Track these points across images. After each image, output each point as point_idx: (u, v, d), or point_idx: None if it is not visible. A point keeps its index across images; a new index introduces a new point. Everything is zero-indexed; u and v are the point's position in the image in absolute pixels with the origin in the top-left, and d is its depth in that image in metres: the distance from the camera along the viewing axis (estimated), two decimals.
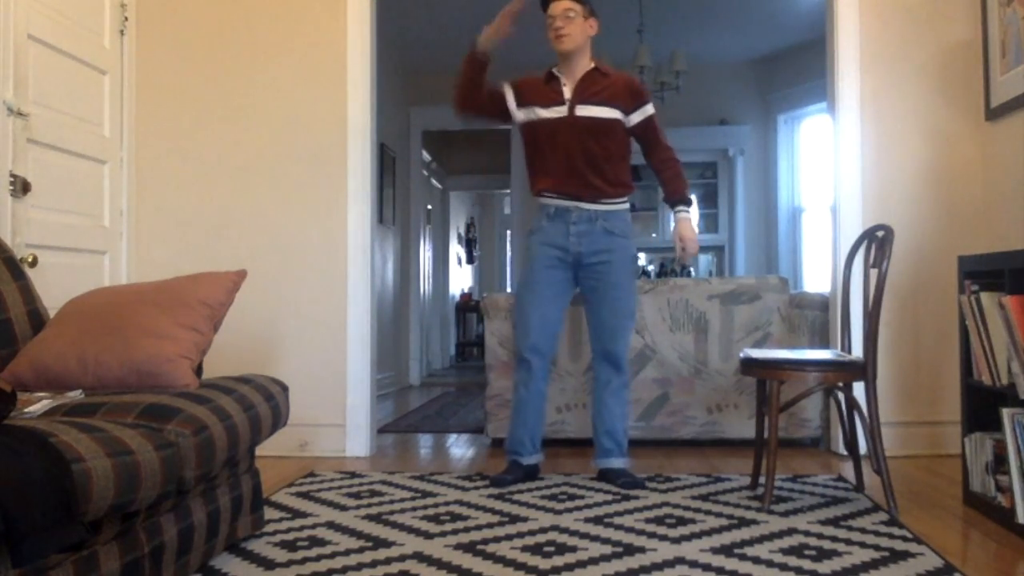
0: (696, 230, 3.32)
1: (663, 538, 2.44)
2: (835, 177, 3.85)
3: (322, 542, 2.42)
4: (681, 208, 3.30)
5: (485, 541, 2.42)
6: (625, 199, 3.26)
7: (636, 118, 3.23)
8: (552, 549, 2.34)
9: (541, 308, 3.21)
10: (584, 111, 3.17)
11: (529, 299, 3.22)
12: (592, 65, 3.24)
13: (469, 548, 2.35)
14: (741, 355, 2.98)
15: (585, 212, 3.19)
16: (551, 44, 3.21)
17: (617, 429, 3.23)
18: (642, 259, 8.85)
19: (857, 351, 3.61)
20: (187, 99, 4.00)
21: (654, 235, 8.50)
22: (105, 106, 3.71)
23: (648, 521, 2.63)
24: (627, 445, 3.28)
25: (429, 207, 9.26)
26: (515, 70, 3.40)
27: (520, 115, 3.27)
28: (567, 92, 3.20)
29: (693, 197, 3.37)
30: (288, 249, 3.94)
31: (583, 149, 3.16)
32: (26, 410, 1.93)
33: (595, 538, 2.44)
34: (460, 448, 4.12)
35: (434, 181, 9.51)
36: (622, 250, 3.22)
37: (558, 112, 3.18)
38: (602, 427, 3.24)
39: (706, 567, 2.17)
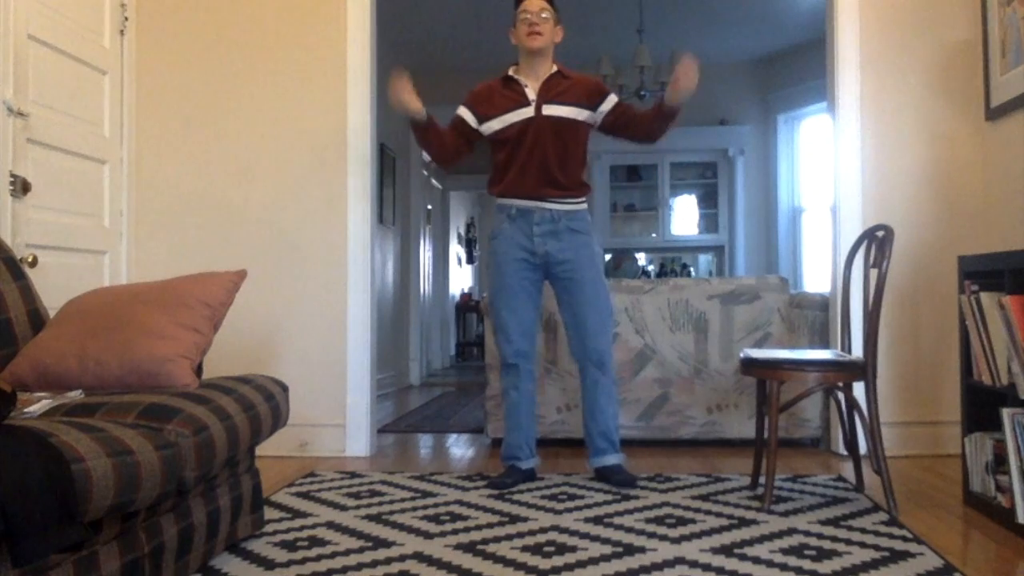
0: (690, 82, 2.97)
1: (663, 538, 2.44)
2: (835, 177, 3.85)
3: (322, 542, 2.42)
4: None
5: (485, 541, 2.42)
6: (584, 199, 3.27)
7: (605, 107, 3.23)
8: (552, 549, 2.34)
9: (518, 312, 3.20)
10: (551, 110, 3.17)
11: (504, 305, 3.21)
12: (555, 68, 3.25)
13: (469, 548, 2.35)
14: (741, 355, 2.98)
15: (548, 212, 3.19)
16: (520, 40, 3.19)
17: (610, 428, 3.23)
18: (642, 259, 8.85)
19: (857, 351, 3.61)
20: (187, 99, 4.00)
21: (654, 235, 8.50)
22: (105, 106, 3.71)
23: (648, 521, 2.63)
24: (619, 441, 3.27)
25: (429, 207, 9.26)
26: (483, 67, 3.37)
27: (484, 130, 3.26)
28: (531, 93, 3.20)
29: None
30: (288, 249, 3.94)
31: (548, 149, 3.17)
32: (26, 410, 1.94)
33: (595, 538, 2.44)
34: (460, 448, 4.12)
35: (434, 181, 9.51)
36: (587, 247, 3.22)
37: (524, 114, 3.18)
38: (596, 429, 3.23)
39: (706, 567, 2.17)
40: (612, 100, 3.26)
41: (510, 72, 3.28)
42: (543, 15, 3.17)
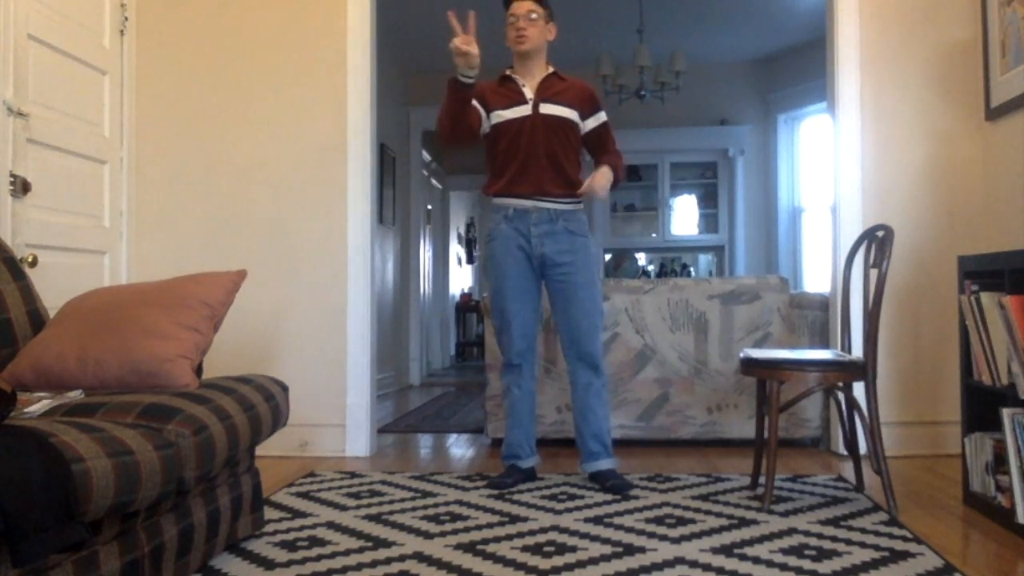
0: (608, 183, 3.15)
1: (663, 538, 2.44)
2: (835, 177, 3.85)
3: (322, 542, 2.43)
4: (604, 167, 3.18)
5: (485, 541, 2.42)
6: (581, 200, 3.24)
7: (591, 123, 3.25)
8: (552, 549, 2.34)
9: (520, 314, 3.20)
10: (548, 109, 3.16)
11: (506, 307, 3.20)
12: (550, 70, 3.26)
13: (469, 548, 2.35)
14: (741, 355, 2.98)
15: (545, 212, 3.17)
16: (510, 43, 3.20)
17: (603, 431, 3.20)
18: (642, 259, 8.86)
19: (857, 351, 3.61)
20: (187, 99, 4.00)
21: (654, 235, 8.50)
22: (105, 106, 3.71)
23: (648, 521, 2.64)
24: (611, 444, 3.25)
25: (429, 207, 9.26)
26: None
27: (492, 118, 3.23)
28: (528, 92, 3.19)
29: (620, 180, 3.24)
30: (288, 249, 3.94)
31: (545, 148, 3.15)
32: (26, 410, 1.94)
33: (595, 538, 2.44)
34: (460, 448, 4.12)
35: (434, 181, 9.51)
36: (584, 249, 3.21)
37: (521, 111, 3.17)
38: (588, 431, 3.20)
39: (706, 567, 2.17)
40: (599, 119, 3.26)
41: (507, 72, 3.28)
42: (531, 16, 3.16)
